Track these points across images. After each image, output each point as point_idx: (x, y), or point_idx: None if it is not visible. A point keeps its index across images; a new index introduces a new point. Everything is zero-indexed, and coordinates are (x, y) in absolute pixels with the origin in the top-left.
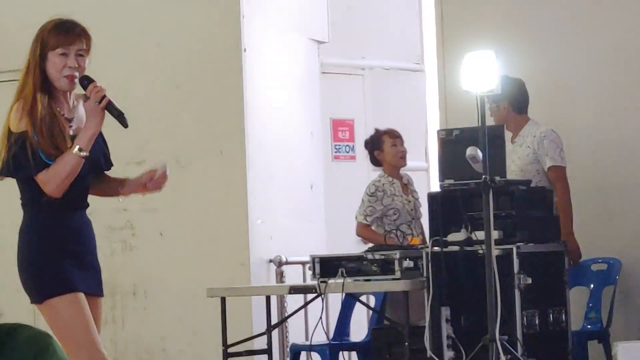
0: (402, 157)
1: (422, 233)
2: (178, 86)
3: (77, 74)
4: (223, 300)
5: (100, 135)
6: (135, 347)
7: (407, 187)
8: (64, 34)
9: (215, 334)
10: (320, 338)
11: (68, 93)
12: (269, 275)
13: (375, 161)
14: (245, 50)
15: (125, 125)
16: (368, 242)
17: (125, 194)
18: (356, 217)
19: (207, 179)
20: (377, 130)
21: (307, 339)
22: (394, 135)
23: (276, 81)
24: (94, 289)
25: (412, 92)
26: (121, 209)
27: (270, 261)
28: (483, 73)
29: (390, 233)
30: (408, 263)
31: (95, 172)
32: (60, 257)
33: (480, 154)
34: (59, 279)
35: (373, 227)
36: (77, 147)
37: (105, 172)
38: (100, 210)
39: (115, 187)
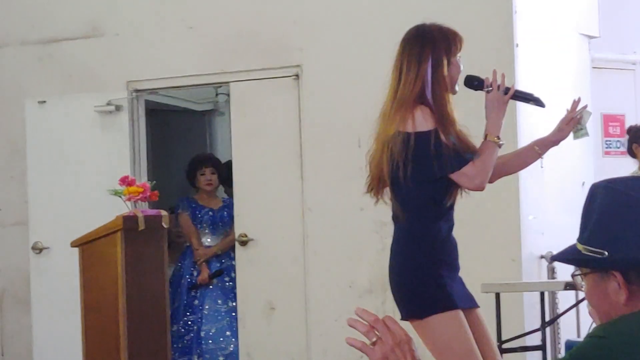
0: None
1: None
2: None
3: None
4: (497, 296)
5: None
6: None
7: None
8: (460, 41)
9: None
10: None
11: None
12: (539, 272)
13: (632, 154)
14: (517, 45)
15: (542, 105)
16: None
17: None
18: None
19: None
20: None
21: (578, 335)
22: None
23: (548, 76)
24: (470, 302)
25: None
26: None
27: (542, 257)
28: None
29: None
30: None
31: None
32: (440, 270)
33: None
34: (443, 295)
35: None
36: (496, 136)
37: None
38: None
39: (520, 161)
